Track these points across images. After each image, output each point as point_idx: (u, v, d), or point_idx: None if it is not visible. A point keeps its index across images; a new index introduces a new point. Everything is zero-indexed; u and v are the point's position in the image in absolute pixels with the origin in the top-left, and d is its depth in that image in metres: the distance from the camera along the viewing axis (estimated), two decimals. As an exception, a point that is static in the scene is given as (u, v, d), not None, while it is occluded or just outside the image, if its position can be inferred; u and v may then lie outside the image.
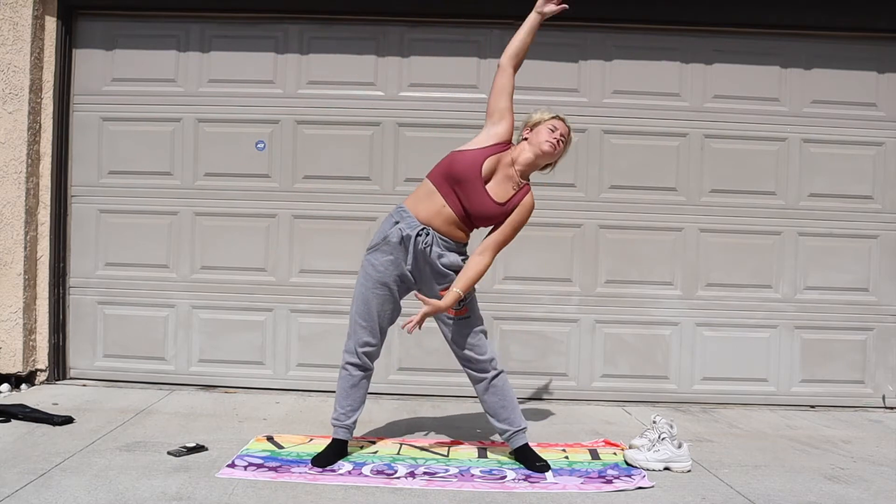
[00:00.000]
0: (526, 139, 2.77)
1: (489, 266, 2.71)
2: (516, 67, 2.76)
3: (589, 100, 4.07)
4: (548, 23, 4.01)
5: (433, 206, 2.69)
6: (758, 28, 4.04)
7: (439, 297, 2.68)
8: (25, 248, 3.89)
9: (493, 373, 2.79)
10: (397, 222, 2.70)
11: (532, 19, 2.79)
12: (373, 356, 2.79)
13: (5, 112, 3.86)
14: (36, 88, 3.93)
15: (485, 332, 2.81)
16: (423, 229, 2.68)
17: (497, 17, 4.02)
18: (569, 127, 2.80)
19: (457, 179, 2.66)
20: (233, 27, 4.07)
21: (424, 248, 2.68)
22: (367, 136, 4.06)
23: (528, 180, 2.78)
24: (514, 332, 4.05)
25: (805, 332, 4.09)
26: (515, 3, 4.00)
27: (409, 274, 2.72)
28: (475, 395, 3.86)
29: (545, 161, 2.77)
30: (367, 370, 2.79)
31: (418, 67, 4.06)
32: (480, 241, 2.75)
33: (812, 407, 4.04)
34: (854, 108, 4.09)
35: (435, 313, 2.65)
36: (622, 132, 4.06)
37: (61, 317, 4.07)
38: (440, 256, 2.70)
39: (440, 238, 2.70)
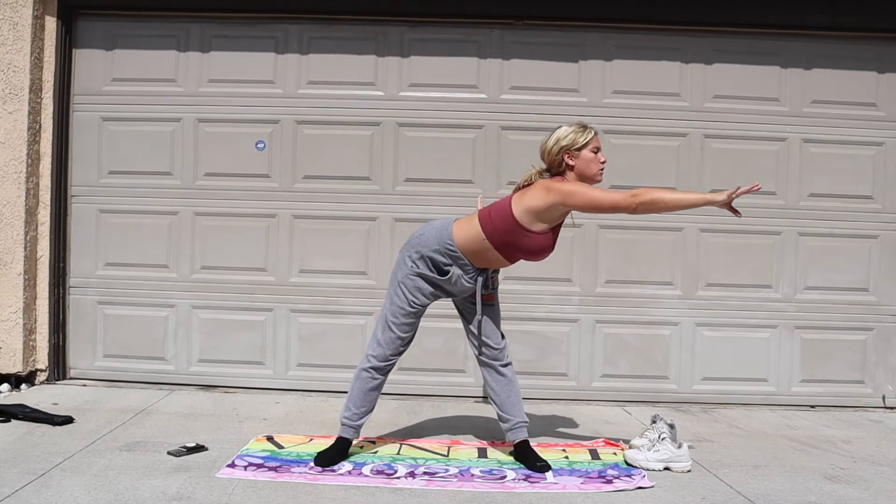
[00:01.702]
0: (571, 167, 2.71)
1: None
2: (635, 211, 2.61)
3: (589, 100, 4.06)
4: (548, 23, 4.06)
5: (495, 261, 2.75)
6: (758, 28, 4.04)
7: (472, 302, 2.81)
8: (25, 248, 3.89)
9: (503, 361, 2.85)
10: (450, 264, 2.72)
11: (703, 199, 2.66)
12: (395, 362, 2.84)
13: (5, 112, 3.86)
14: (36, 88, 3.93)
15: (500, 325, 2.88)
16: (481, 273, 2.76)
17: (497, 17, 4.03)
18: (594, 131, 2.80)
19: (529, 253, 2.71)
20: (233, 27, 4.07)
21: (489, 287, 2.81)
22: (367, 136, 4.06)
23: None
24: (514, 332, 4.03)
25: (805, 332, 4.09)
26: (515, 3, 4.02)
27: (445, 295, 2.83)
28: (475, 395, 3.86)
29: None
30: (387, 374, 2.84)
31: (418, 67, 4.06)
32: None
33: (812, 407, 4.04)
34: (854, 108, 4.09)
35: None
36: (622, 132, 4.06)
37: (61, 317, 4.07)
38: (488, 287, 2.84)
39: (492, 276, 2.84)
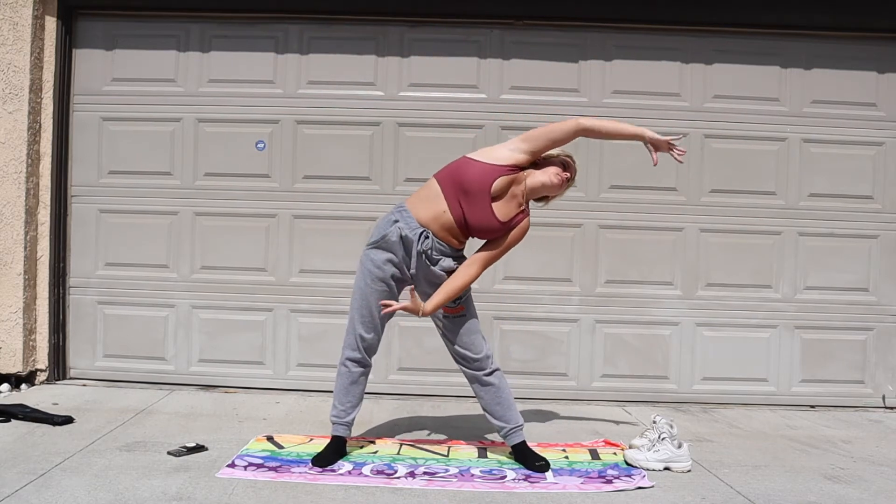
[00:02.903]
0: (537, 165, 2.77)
1: (475, 279, 2.73)
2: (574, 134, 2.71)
3: (589, 100, 4.07)
4: (548, 23, 4.07)
5: (435, 209, 2.68)
6: (758, 28, 4.04)
7: (443, 312, 2.73)
8: (25, 248, 3.89)
9: (487, 370, 2.80)
10: (396, 221, 2.71)
11: (633, 131, 2.79)
12: (371, 351, 2.80)
13: (5, 112, 3.86)
14: (36, 88, 3.93)
15: (480, 331, 2.81)
16: (423, 232, 2.68)
17: (497, 17, 4.03)
18: (576, 170, 2.80)
19: (465, 189, 2.65)
20: (233, 27, 4.07)
21: (425, 250, 2.69)
22: (367, 136, 4.06)
23: (528, 205, 2.79)
24: (514, 332, 4.05)
25: (805, 332, 4.09)
26: (515, 3, 4.03)
27: (406, 271, 2.73)
28: (475, 395, 3.85)
29: (547, 192, 2.76)
30: (366, 366, 2.81)
31: (418, 67, 4.06)
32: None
33: (812, 407, 4.04)
34: (854, 108, 4.09)
35: (413, 313, 2.65)
36: (622, 132, 4.06)
37: (61, 317, 4.07)
38: (437, 262, 2.71)
39: (437, 242, 2.71)
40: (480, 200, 2.64)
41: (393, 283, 2.75)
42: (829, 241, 4.10)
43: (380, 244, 2.72)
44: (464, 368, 2.83)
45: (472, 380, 2.83)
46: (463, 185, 2.64)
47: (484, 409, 2.85)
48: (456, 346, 2.79)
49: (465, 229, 2.71)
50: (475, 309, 2.83)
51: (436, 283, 2.73)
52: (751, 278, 4.08)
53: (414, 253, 2.68)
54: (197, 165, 4.08)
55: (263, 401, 3.79)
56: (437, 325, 2.85)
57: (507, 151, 2.69)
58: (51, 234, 3.98)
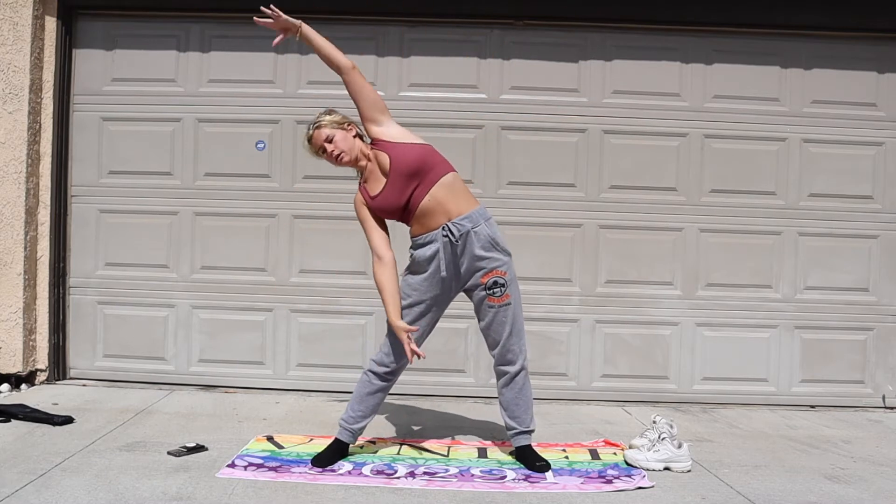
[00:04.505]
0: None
1: (347, 66, 2.80)
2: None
3: (589, 100, 4.07)
4: (548, 23, 4.07)
5: (433, 210, 2.71)
6: (758, 28, 4.04)
7: (482, 285, 2.73)
8: (25, 248, 3.89)
9: (517, 367, 2.78)
10: (419, 249, 2.76)
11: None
12: (396, 373, 2.82)
13: (5, 112, 3.86)
14: (36, 88, 3.93)
15: (521, 324, 2.79)
16: (443, 227, 2.70)
17: (497, 17, 4.03)
18: (323, 131, 2.80)
19: (392, 210, 2.75)
20: (233, 27, 4.07)
21: (456, 242, 2.70)
22: (367, 136, 4.06)
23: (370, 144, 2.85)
24: (514, 332, 4.04)
25: (805, 332, 4.09)
26: (515, 3, 4.03)
27: (448, 281, 2.75)
28: (475, 395, 3.85)
29: (355, 159, 2.81)
30: (385, 381, 2.81)
31: (418, 67, 4.06)
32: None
33: (812, 407, 4.04)
34: (854, 108, 4.09)
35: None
36: (622, 132, 4.06)
37: (61, 317, 4.07)
38: (478, 231, 2.72)
39: (458, 223, 2.70)
40: (389, 193, 2.72)
41: (430, 304, 2.78)
42: (828, 241, 4.10)
43: (412, 269, 2.79)
44: (495, 363, 2.82)
45: (499, 374, 2.82)
46: (388, 211, 2.75)
47: (500, 405, 2.84)
48: (493, 337, 2.78)
49: (431, 170, 2.72)
50: (522, 308, 2.81)
51: (480, 268, 2.72)
52: (751, 278, 4.08)
53: (444, 254, 2.70)
54: (197, 165, 4.08)
55: (263, 401, 3.79)
56: (478, 315, 2.82)
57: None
58: (51, 234, 3.98)
